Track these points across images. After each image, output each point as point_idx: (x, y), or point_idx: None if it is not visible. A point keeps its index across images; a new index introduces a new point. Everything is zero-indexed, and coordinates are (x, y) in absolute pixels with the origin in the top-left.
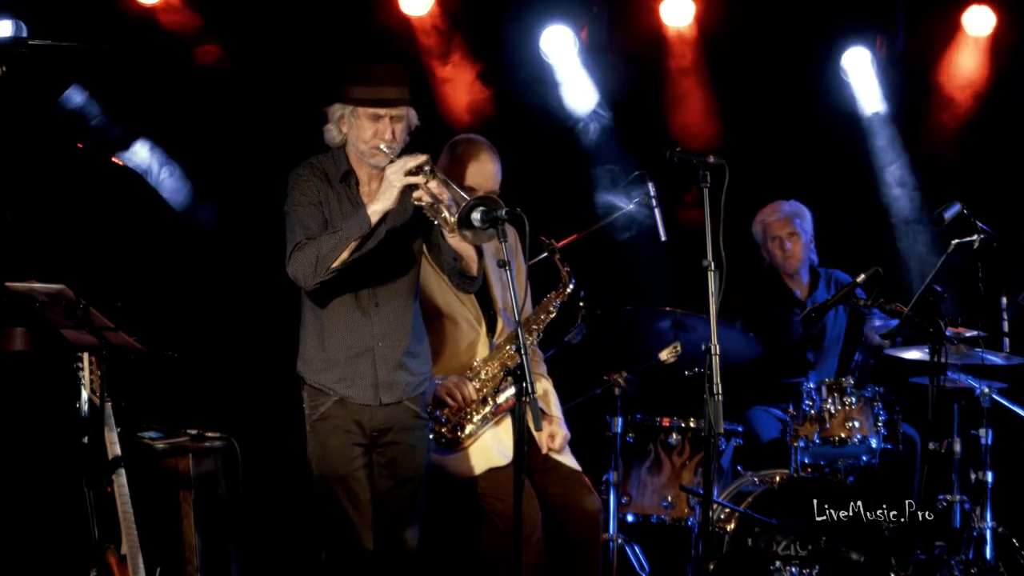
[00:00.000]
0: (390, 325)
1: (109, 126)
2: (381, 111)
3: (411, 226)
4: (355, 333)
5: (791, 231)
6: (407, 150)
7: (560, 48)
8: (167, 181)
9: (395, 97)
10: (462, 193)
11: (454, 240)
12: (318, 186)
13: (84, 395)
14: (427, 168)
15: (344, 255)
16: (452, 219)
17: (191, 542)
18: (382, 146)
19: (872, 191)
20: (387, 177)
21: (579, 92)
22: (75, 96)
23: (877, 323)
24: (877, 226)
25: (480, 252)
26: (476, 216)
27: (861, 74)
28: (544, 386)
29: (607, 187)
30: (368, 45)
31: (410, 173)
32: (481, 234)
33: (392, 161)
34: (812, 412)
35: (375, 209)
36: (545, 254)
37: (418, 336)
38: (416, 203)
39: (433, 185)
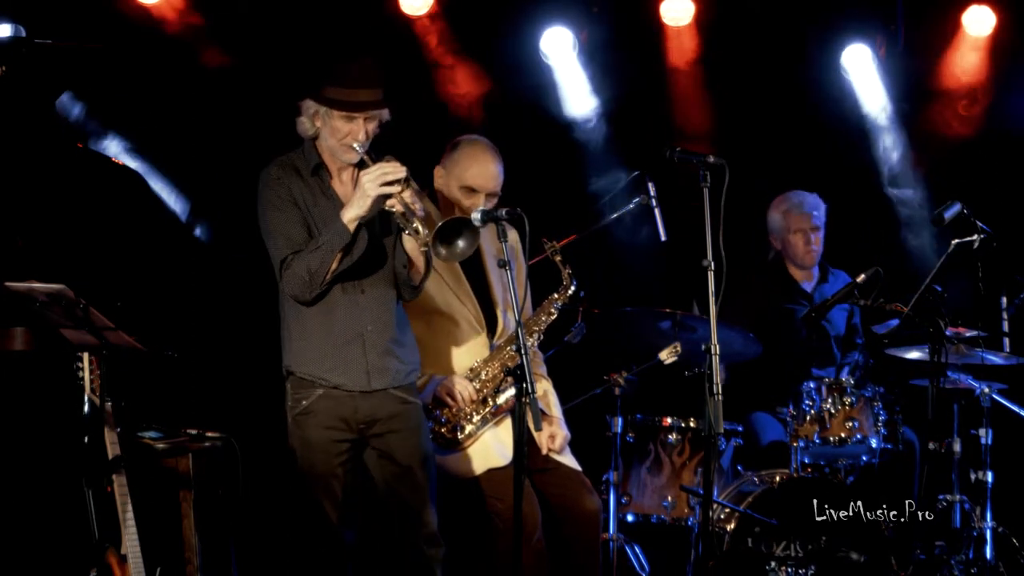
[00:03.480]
0: (377, 310)
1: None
2: (355, 113)
3: (388, 217)
4: (344, 320)
5: (814, 225)
6: (376, 143)
7: (560, 50)
8: None
9: (368, 100)
10: (436, 208)
11: (410, 246)
12: (291, 183)
13: (84, 395)
14: (403, 178)
15: (334, 265)
16: (424, 231)
17: (191, 542)
18: (355, 145)
19: (872, 190)
20: (362, 185)
21: (578, 94)
22: (69, 104)
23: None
24: (877, 225)
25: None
26: (476, 215)
27: (861, 72)
28: (544, 386)
29: (608, 195)
30: (347, 42)
31: (386, 184)
32: (455, 252)
33: (365, 162)
34: (812, 412)
35: (350, 217)
36: (546, 255)
37: (403, 326)
38: (388, 209)
39: (407, 195)
